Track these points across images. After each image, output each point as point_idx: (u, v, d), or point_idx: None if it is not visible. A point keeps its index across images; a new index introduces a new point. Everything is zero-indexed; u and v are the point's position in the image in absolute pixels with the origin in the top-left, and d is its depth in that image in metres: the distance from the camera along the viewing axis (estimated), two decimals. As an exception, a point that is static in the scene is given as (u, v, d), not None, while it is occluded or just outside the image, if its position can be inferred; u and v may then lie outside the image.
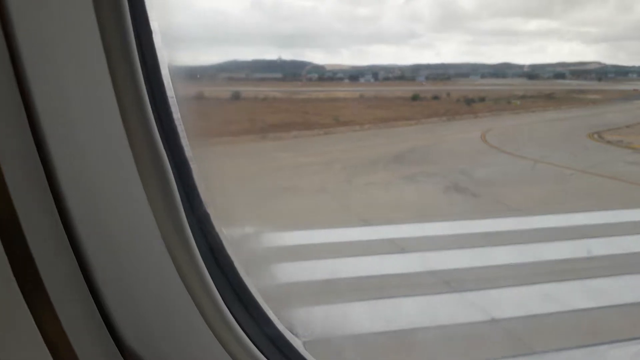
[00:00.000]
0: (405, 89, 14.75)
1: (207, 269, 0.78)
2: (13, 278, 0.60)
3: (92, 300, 0.70)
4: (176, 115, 0.78)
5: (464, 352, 3.21)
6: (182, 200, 0.74)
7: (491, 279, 4.02)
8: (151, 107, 0.72)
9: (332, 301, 3.87)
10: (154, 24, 0.73)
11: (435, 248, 4.61)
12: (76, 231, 0.66)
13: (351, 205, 5.90)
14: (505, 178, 6.37)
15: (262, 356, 0.83)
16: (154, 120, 0.72)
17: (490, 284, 3.93)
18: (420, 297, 3.88)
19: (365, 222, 5.36)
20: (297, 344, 0.91)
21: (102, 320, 0.70)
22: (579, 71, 13.76)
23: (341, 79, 18.70)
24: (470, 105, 11.43)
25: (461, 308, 3.67)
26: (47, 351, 0.65)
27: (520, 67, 13.87)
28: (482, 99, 11.80)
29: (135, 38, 0.69)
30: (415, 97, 12.87)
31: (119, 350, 0.72)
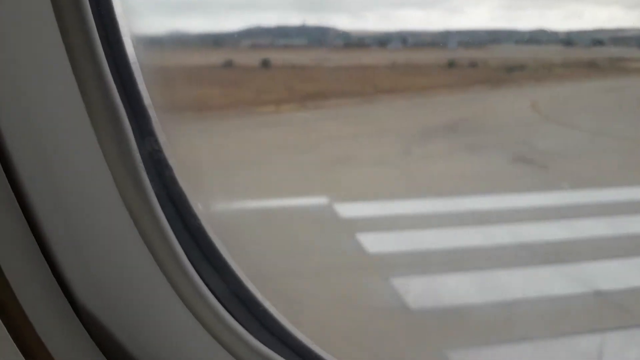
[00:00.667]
0: (438, 56, 14.43)
1: (172, 228, 0.74)
2: None
3: (44, 259, 0.67)
4: (142, 88, 0.73)
5: (574, 324, 3.28)
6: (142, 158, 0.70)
7: (584, 251, 4.05)
8: (114, 77, 0.67)
9: (426, 272, 3.91)
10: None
11: (518, 220, 4.63)
12: (24, 189, 0.64)
13: (417, 177, 5.90)
14: (569, 149, 6.33)
15: (229, 316, 0.78)
16: (114, 84, 0.67)
17: (585, 256, 3.97)
18: (516, 269, 3.92)
19: (437, 194, 5.37)
20: (274, 310, 0.86)
21: (54, 279, 0.68)
22: (619, 38, 13.40)
23: (368, 45, 18.30)
24: (511, 73, 11.21)
25: (562, 280, 3.71)
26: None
27: (556, 33, 13.51)
28: (522, 67, 11.57)
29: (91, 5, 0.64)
30: (451, 64, 12.61)
31: (73, 308, 0.70)
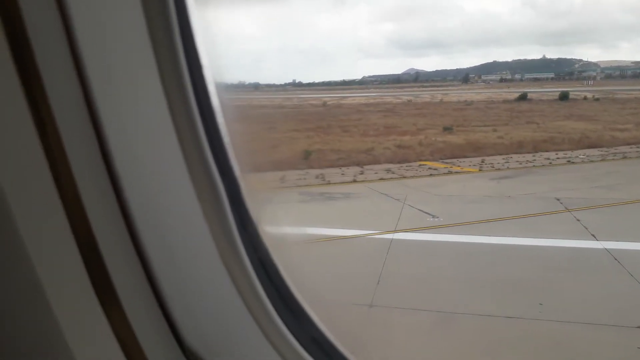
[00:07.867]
0: None
1: (259, 279, 0.91)
2: (92, 287, 0.72)
3: (158, 305, 0.81)
4: (226, 140, 0.87)
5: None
6: (233, 216, 0.87)
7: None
8: (202, 126, 0.82)
9: None
10: (200, 45, 0.81)
11: None
12: (143, 245, 0.77)
13: None
14: None
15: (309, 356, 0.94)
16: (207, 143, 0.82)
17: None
18: None
19: None
20: (340, 345, 1.01)
21: (166, 323, 0.82)
22: None
23: (631, 77, 17.10)
24: None
25: None
26: (121, 351, 0.75)
27: None
28: None
29: (184, 54, 0.78)
30: None
31: (180, 348, 0.84)
